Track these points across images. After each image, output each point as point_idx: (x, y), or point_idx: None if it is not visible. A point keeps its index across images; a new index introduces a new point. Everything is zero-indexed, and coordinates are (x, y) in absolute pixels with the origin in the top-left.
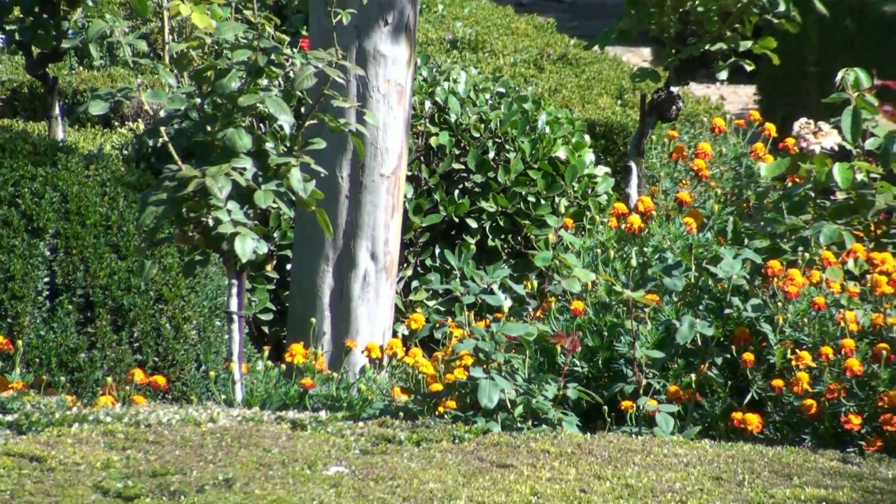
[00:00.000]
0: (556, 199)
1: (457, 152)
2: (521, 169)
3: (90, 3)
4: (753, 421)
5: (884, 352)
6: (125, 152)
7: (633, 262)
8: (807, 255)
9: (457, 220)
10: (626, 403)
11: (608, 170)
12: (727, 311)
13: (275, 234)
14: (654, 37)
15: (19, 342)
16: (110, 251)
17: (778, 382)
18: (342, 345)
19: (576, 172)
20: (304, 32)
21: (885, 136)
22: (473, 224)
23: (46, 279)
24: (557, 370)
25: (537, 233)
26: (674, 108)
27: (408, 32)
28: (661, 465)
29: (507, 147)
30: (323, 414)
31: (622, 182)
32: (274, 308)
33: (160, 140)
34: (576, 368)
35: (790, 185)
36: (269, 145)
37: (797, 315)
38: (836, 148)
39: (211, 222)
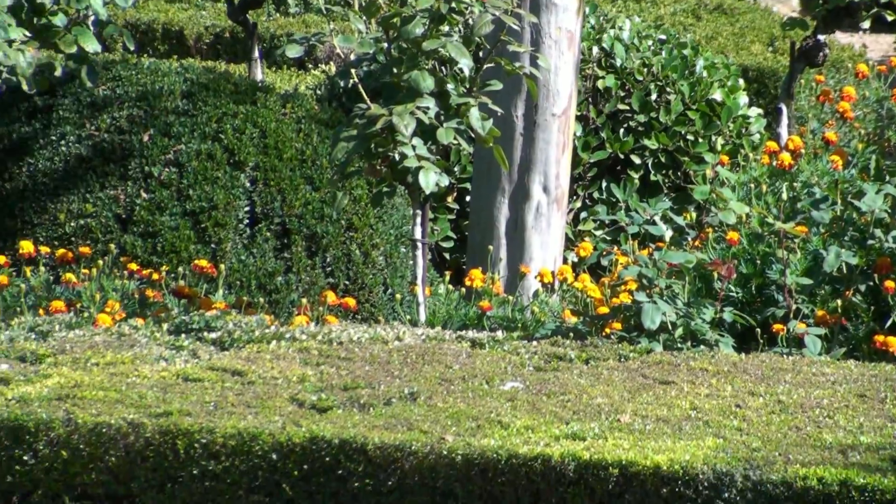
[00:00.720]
0: (713, 138)
1: (622, 94)
2: (680, 110)
3: None
4: (894, 343)
5: None
6: (318, 92)
7: (784, 196)
8: None
9: (622, 156)
10: (777, 326)
11: (760, 111)
12: (870, 241)
13: (455, 169)
14: None
15: (222, 266)
16: (305, 183)
17: None
18: (517, 270)
19: (731, 113)
20: None
21: None
22: (637, 160)
23: (247, 208)
24: (714, 295)
25: (696, 168)
26: (821, 54)
27: None
28: (809, 383)
29: (667, 90)
30: (499, 334)
31: (773, 122)
32: (454, 236)
33: (350, 81)
34: (731, 294)
35: None
36: (449, 86)
37: None
38: None
39: (397, 157)
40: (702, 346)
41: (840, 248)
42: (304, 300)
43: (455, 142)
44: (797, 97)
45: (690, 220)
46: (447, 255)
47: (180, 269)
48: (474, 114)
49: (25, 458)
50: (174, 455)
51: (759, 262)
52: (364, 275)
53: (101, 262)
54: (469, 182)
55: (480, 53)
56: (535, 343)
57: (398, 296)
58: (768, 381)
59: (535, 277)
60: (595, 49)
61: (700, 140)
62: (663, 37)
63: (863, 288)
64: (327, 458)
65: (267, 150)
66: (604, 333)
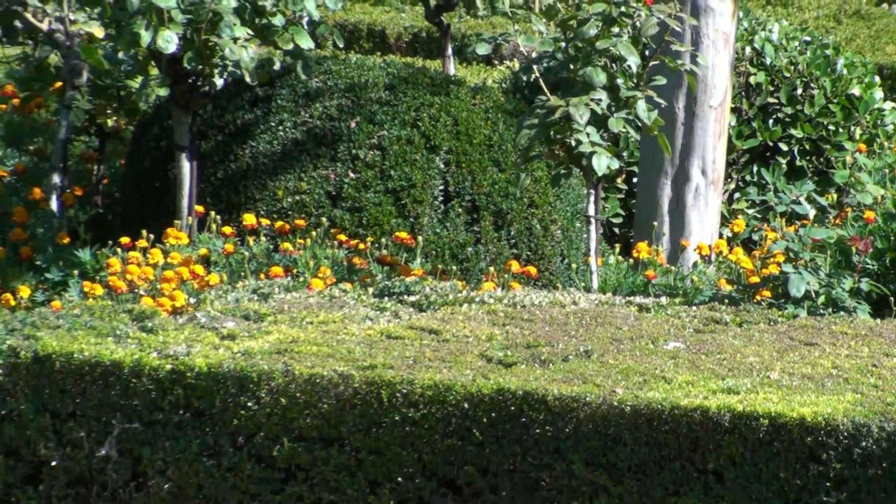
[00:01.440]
0: (852, 128)
1: (771, 89)
2: (823, 103)
3: None
4: None
5: None
6: (504, 85)
7: None
8: None
9: (771, 144)
10: None
11: (894, 105)
12: None
13: (624, 154)
14: None
15: (419, 238)
16: (492, 165)
17: None
18: (678, 244)
19: (867, 106)
20: None
21: None
22: (784, 147)
23: (441, 187)
24: (852, 267)
25: (836, 155)
26: None
27: None
28: None
29: (811, 85)
30: (663, 300)
31: None
32: (623, 213)
33: (532, 76)
34: (867, 266)
35: None
36: (619, 81)
37: None
38: None
39: (573, 143)
40: (841, 313)
41: None
42: (492, 268)
43: (624, 130)
44: None
45: (832, 201)
46: (616, 230)
47: (383, 240)
48: (641, 105)
49: (249, 404)
50: (378, 403)
51: (893, 238)
52: (543, 246)
53: (314, 233)
54: (636, 165)
55: (646, 52)
56: (694, 308)
57: (573, 265)
58: None
59: (694, 250)
60: (748, 49)
61: (840, 130)
62: (808, 38)
63: None
64: (512, 408)
65: (459, 135)
66: (755, 300)
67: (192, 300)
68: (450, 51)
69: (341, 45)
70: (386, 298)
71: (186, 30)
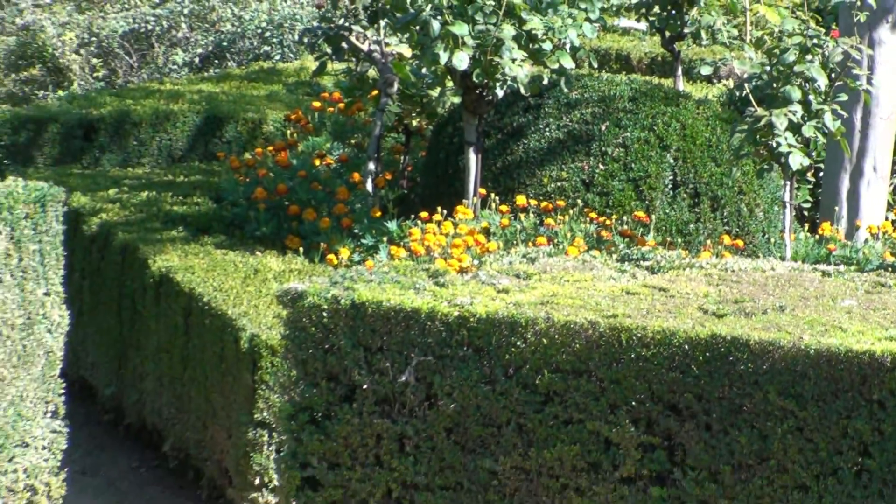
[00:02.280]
0: None
1: None
2: None
3: (702, 4)
4: None
5: None
6: (721, 99)
7: None
8: None
9: None
10: None
11: None
12: None
13: (812, 153)
14: None
15: (653, 216)
16: (711, 160)
17: None
18: (853, 224)
19: None
20: (833, 27)
21: None
22: None
23: (670, 177)
24: None
25: None
26: None
27: None
28: None
29: None
30: (841, 267)
31: None
32: (811, 200)
33: (743, 92)
34: None
35: None
36: (810, 97)
37: None
38: None
39: (774, 144)
40: None
41: None
42: (708, 241)
43: (813, 135)
44: None
45: None
46: (806, 213)
47: (624, 218)
48: (828, 117)
49: (518, 343)
50: (618, 344)
51: None
52: (749, 224)
53: (570, 212)
54: (822, 163)
55: (832, 74)
56: (864, 274)
57: (772, 240)
58: None
59: (865, 230)
60: None
61: None
62: None
63: None
64: (722, 349)
65: (685, 137)
66: None
67: (475, 262)
68: (679, 71)
69: (595, 66)
70: (626, 263)
71: (475, 52)
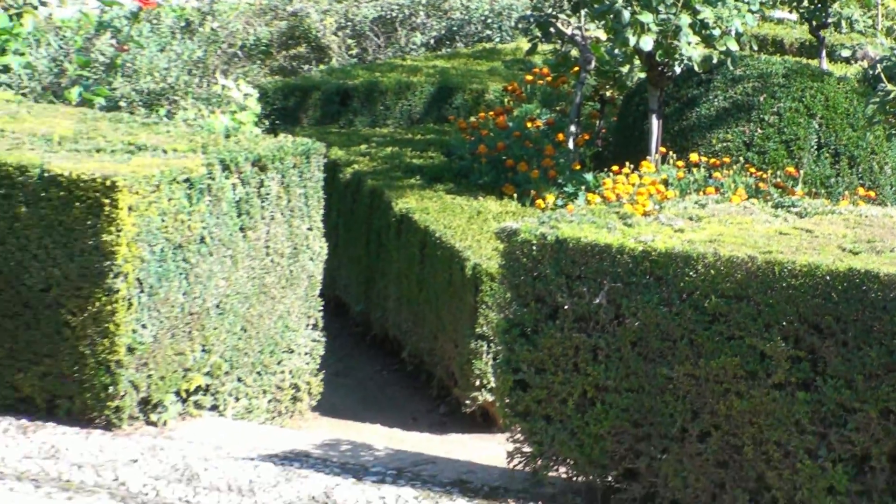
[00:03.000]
0: None
1: None
2: None
3: None
4: None
5: None
6: (857, 77)
7: None
8: None
9: None
10: None
11: None
12: None
13: None
14: None
15: (801, 172)
16: (849, 126)
17: None
18: None
19: None
20: None
21: None
22: None
23: (815, 139)
24: None
25: None
26: None
27: None
28: None
29: None
30: None
31: None
32: None
33: (876, 71)
34: None
35: None
36: None
37: None
38: None
39: None
40: None
41: None
42: (846, 192)
43: None
44: None
45: None
46: None
47: (777, 172)
48: None
49: (691, 273)
50: (772, 275)
51: None
52: (879, 179)
53: (734, 167)
54: None
55: None
56: None
57: None
58: None
59: None
60: None
61: None
62: None
63: None
64: (857, 280)
65: (828, 107)
66: None
67: (656, 207)
68: (823, 54)
69: (755, 49)
70: (778, 209)
71: (658, 36)
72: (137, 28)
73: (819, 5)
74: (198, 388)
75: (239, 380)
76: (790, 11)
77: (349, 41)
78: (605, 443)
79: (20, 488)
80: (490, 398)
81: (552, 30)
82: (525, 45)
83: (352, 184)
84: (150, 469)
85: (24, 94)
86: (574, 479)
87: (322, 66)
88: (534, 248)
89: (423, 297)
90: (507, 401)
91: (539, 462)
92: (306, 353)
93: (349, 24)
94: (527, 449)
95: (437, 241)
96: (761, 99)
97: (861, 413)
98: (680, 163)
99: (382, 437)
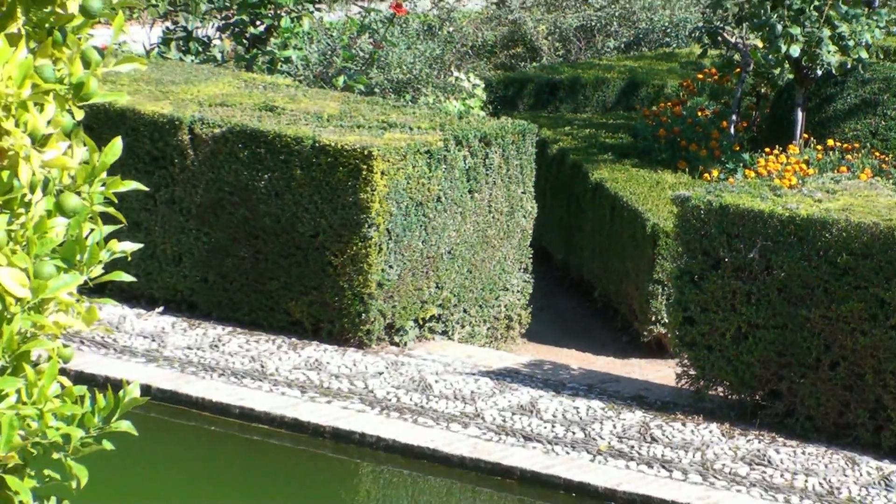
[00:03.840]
0: None
1: None
2: None
3: None
4: None
5: None
6: None
7: None
8: None
9: None
10: None
11: None
12: None
13: None
14: None
15: None
16: None
17: None
18: None
19: None
20: None
21: None
22: None
23: None
24: None
25: None
26: None
27: None
28: None
29: None
30: None
31: None
32: None
33: None
34: None
35: None
36: None
37: None
38: None
39: None
40: None
41: None
42: None
43: None
44: None
45: None
46: None
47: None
48: None
49: (826, 235)
50: (892, 238)
51: None
52: None
53: (862, 151)
54: None
55: None
56: None
57: None
58: None
59: None
60: None
61: None
62: None
63: None
64: None
65: None
66: None
67: (799, 181)
68: None
69: (881, 57)
70: None
71: (804, 45)
72: (391, 30)
73: None
74: (431, 317)
75: (464, 311)
76: None
77: (556, 44)
78: (755, 369)
79: (290, 393)
80: (663, 331)
81: (719, 38)
82: (697, 50)
83: (557, 157)
84: (393, 380)
85: (299, 81)
86: (729, 397)
87: (534, 64)
88: (702, 212)
89: (611, 249)
90: (677, 333)
91: (701, 383)
92: (518, 291)
93: (557, 30)
94: (692, 372)
95: (624, 205)
96: (885, 97)
97: None
98: (819, 147)
99: (576, 360)
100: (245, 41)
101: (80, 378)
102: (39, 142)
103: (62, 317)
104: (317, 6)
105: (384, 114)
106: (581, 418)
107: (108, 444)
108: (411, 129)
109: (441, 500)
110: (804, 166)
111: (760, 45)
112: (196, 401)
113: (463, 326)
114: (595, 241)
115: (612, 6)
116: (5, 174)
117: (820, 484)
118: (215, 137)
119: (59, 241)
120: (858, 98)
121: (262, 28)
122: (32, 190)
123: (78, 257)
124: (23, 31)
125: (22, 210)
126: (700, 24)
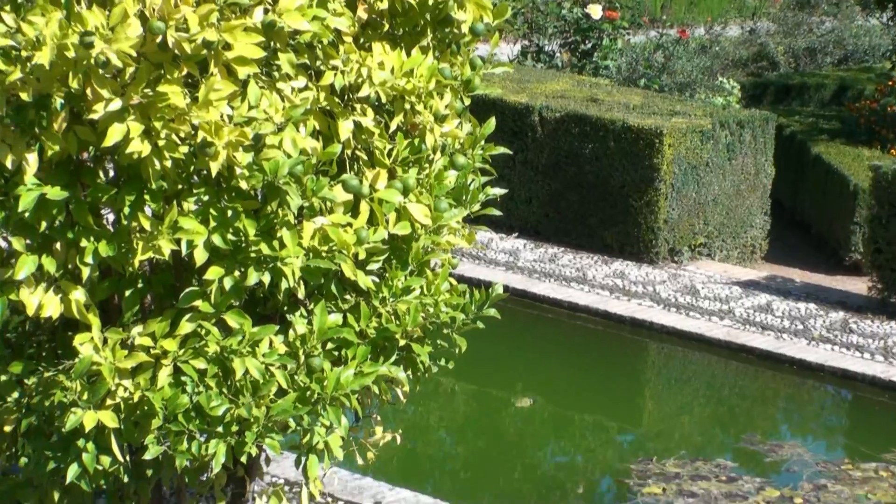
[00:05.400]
0: None
1: None
2: None
3: None
4: None
5: None
6: None
7: None
8: None
9: None
10: None
11: None
12: None
13: None
14: None
15: None
16: None
17: None
18: None
19: None
20: None
21: None
22: None
23: None
24: None
25: None
26: None
27: None
28: None
29: None
30: None
31: None
32: None
33: None
34: None
35: None
36: None
37: None
38: None
39: None
40: None
41: None
42: None
43: None
44: None
45: None
46: None
47: None
48: None
49: None
50: None
51: None
52: None
53: None
54: None
55: None
56: None
57: None
58: None
59: None
60: None
61: None
62: None
63: None
64: None
65: None
66: None
67: None
68: None
69: None
70: None
71: None
72: (677, 48)
73: None
74: (700, 244)
75: (722, 240)
76: None
77: (790, 59)
78: None
79: (602, 293)
80: (859, 257)
81: None
82: (888, 65)
83: (788, 137)
84: (672, 286)
85: (614, 82)
86: None
87: (774, 73)
88: (889, 175)
89: (824, 200)
90: (870, 259)
91: (885, 293)
92: (760, 228)
93: (791, 50)
94: (879, 286)
95: (834, 170)
96: None
97: None
98: None
99: (798, 276)
100: (578, 54)
101: (461, 279)
102: (439, 119)
103: (451, 238)
104: (626, 31)
105: (671, 105)
106: (801, 315)
107: (480, 325)
108: (689, 115)
109: (703, 368)
110: None
111: None
112: (538, 297)
113: (721, 251)
114: (813, 195)
115: (829, 34)
116: (417, 141)
117: None
118: (556, 119)
119: (450, 186)
120: None
121: (589, 45)
122: (434, 151)
123: (463, 198)
124: (430, 45)
125: (427, 165)
126: (891, 47)
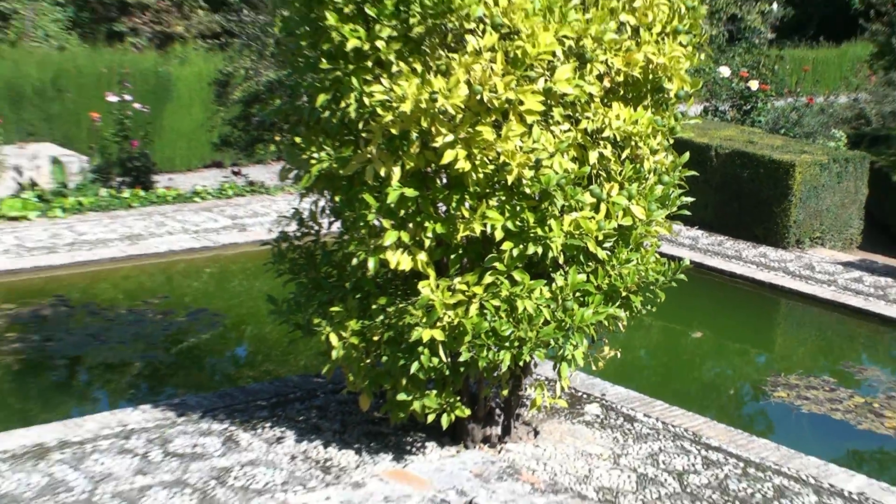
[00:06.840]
0: None
1: None
2: None
3: None
4: None
5: None
6: None
7: None
8: None
9: None
10: None
11: None
12: None
13: None
14: None
15: None
16: None
17: None
18: None
19: None
20: None
21: None
22: None
23: None
24: None
25: None
26: None
27: None
28: None
29: None
30: None
31: None
32: None
33: None
34: None
35: None
36: None
37: None
38: None
39: None
40: None
41: None
42: None
43: None
44: None
45: None
46: None
47: None
48: None
49: None
50: None
51: None
52: None
53: None
54: None
55: None
56: None
57: None
58: None
59: None
60: None
61: None
62: None
63: None
64: None
65: None
66: None
67: None
68: None
69: None
70: None
71: None
72: (806, 111)
73: None
74: (816, 237)
75: (831, 235)
76: None
77: (880, 119)
78: None
79: (751, 266)
80: None
81: None
82: None
83: (878, 169)
84: (797, 264)
85: (763, 130)
86: None
87: (869, 127)
88: None
89: None
90: None
91: None
92: (856, 228)
93: (880, 112)
94: None
95: None
96: None
97: None
98: None
99: (881, 259)
100: (741, 112)
101: (662, 254)
102: (653, 152)
103: (657, 228)
104: (773, 97)
105: (801, 147)
106: (882, 285)
107: (673, 284)
108: (813, 153)
109: (815, 317)
110: None
111: None
112: (710, 268)
113: (830, 242)
114: (893, 207)
115: None
116: (638, 165)
117: None
118: (725, 154)
119: (658, 195)
120: None
121: (749, 107)
122: (649, 173)
123: (666, 202)
124: (649, 104)
125: (644, 181)
126: None
